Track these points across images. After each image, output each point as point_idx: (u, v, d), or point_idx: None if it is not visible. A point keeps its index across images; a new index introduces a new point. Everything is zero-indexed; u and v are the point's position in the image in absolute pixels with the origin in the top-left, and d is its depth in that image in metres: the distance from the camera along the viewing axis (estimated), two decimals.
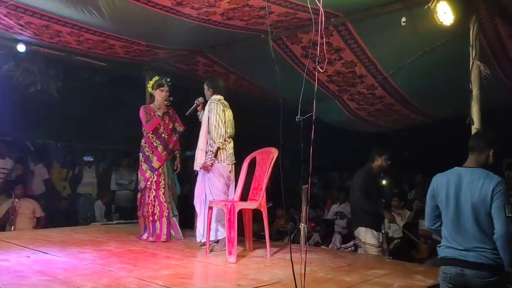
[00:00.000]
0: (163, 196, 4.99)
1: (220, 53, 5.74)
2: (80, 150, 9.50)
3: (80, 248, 4.40)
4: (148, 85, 5.25)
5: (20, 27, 4.76)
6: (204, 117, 4.57)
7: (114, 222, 6.87)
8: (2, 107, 6.87)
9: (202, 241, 4.50)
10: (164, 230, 4.93)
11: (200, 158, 4.50)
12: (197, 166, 4.54)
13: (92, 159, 8.66)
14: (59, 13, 4.39)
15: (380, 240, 4.75)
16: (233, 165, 4.57)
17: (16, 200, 6.41)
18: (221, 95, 4.62)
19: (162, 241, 4.87)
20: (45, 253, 4.10)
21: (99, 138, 9.29)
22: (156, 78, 5.16)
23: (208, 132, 4.44)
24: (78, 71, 6.65)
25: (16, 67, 6.01)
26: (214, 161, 4.38)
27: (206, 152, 4.41)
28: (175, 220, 5.08)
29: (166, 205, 4.99)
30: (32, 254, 4.03)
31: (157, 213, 4.95)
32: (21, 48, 5.40)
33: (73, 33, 4.92)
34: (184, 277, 3.37)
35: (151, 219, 4.96)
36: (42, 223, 6.66)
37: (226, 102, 4.61)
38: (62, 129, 8.82)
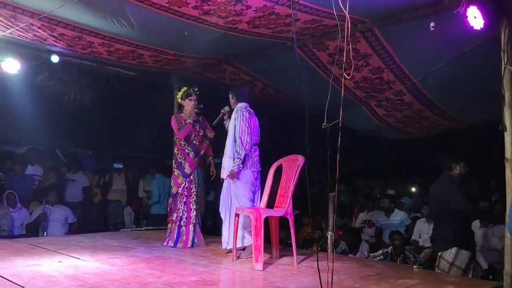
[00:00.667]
0: (193, 203, 5.07)
1: (246, 61, 5.79)
2: (110, 157, 9.70)
3: (110, 253, 4.49)
4: (178, 97, 5.35)
5: (54, 39, 4.93)
6: (230, 125, 4.62)
7: (143, 228, 6.97)
8: (37, 116, 7.13)
9: (228, 248, 4.52)
10: (191, 237, 5.00)
11: (227, 165, 4.53)
12: (224, 173, 4.57)
13: (122, 166, 8.83)
14: (90, 25, 4.52)
15: (469, 260, 4.34)
16: (259, 173, 4.58)
17: (48, 206, 6.59)
18: (246, 103, 4.65)
19: (188, 247, 4.93)
20: (76, 258, 4.20)
21: (128, 146, 9.48)
22: (184, 88, 5.26)
23: (235, 140, 4.48)
24: (108, 81, 6.83)
25: (50, 78, 6.23)
26: (241, 168, 4.41)
27: (233, 160, 4.44)
28: (199, 227, 5.13)
29: (195, 212, 5.06)
30: (64, 259, 4.13)
31: (184, 219, 5.04)
32: (55, 59, 5.60)
33: (104, 44, 5.06)
34: (210, 283, 3.39)
35: (178, 224, 5.04)
36: (74, 229, 6.83)
37: (251, 110, 4.64)
38: (93, 137, 9.05)
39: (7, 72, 5.54)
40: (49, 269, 3.69)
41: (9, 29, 4.59)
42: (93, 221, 7.93)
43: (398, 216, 6.80)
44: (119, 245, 5.10)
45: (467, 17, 3.58)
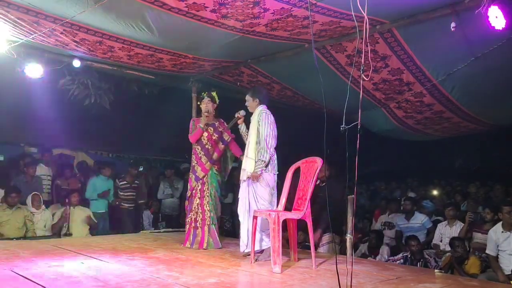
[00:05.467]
0: (207, 205, 5.11)
1: (264, 63, 5.80)
2: (130, 160, 9.81)
3: (130, 255, 4.54)
4: (198, 103, 5.39)
5: (75, 44, 5.03)
6: (252, 126, 4.56)
7: (162, 230, 7.03)
8: (59, 120, 7.26)
9: (246, 251, 4.51)
10: (206, 238, 5.05)
11: (248, 167, 4.48)
12: (244, 175, 4.53)
13: (142, 169, 8.93)
14: (111, 30, 4.60)
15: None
16: (276, 176, 4.56)
17: (68, 207, 6.69)
18: (265, 105, 4.64)
19: (203, 248, 4.98)
20: (97, 259, 4.26)
21: (147, 149, 9.58)
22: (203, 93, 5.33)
23: (258, 142, 4.43)
24: (128, 84, 6.92)
25: (72, 82, 6.34)
26: (263, 171, 4.38)
27: (255, 162, 4.40)
28: (214, 229, 5.15)
29: (209, 213, 5.10)
30: (86, 261, 4.19)
31: (199, 220, 5.10)
32: (76, 63, 5.71)
33: (124, 48, 5.13)
34: (229, 286, 3.39)
35: (193, 225, 5.11)
36: (94, 231, 6.92)
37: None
38: (114, 140, 9.17)
39: (30, 76, 5.67)
40: (71, 270, 3.75)
41: (32, 34, 4.70)
42: (113, 223, 8.01)
43: (419, 219, 6.68)
44: (139, 246, 5.16)
45: (488, 17, 3.52)
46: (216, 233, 5.16)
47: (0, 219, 6.08)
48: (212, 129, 5.20)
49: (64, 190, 7.41)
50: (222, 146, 5.26)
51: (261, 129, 4.42)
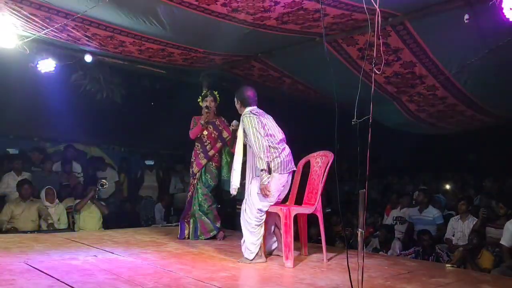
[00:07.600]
0: (196, 199, 5.29)
1: (275, 57, 5.77)
2: (142, 154, 9.87)
3: (142, 248, 4.59)
4: (199, 100, 5.49)
5: (87, 39, 5.06)
6: (238, 135, 4.26)
7: (174, 224, 7.08)
8: (72, 114, 7.33)
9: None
10: (186, 231, 5.30)
11: (234, 180, 4.13)
12: (233, 189, 4.18)
13: (153, 163, 8.98)
14: (122, 24, 4.61)
15: None
16: (291, 174, 4.16)
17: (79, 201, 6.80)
18: (251, 106, 4.24)
19: (184, 239, 5.25)
20: (110, 252, 4.31)
21: (159, 143, 9.62)
22: (204, 91, 5.55)
23: (252, 152, 4.09)
24: (139, 79, 6.96)
25: (84, 77, 6.40)
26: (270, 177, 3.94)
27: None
28: (202, 220, 5.27)
29: (196, 207, 5.27)
30: (99, 254, 4.25)
31: (189, 213, 5.32)
32: (88, 58, 5.76)
33: (135, 43, 5.15)
34: (240, 279, 3.42)
35: (186, 220, 5.35)
36: (107, 224, 7.00)
37: (260, 110, 4.25)
38: (125, 134, 9.23)
39: (42, 71, 5.73)
40: (84, 263, 3.80)
41: (44, 29, 4.74)
42: (125, 216, 8.08)
43: (431, 213, 6.64)
44: (151, 240, 5.21)
45: (502, 8, 3.46)
46: (203, 224, 5.26)
47: (13, 212, 6.18)
48: (211, 127, 5.31)
49: (67, 186, 7.47)
50: (220, 144, 5.31)
51: (248, 137, 4.01)
